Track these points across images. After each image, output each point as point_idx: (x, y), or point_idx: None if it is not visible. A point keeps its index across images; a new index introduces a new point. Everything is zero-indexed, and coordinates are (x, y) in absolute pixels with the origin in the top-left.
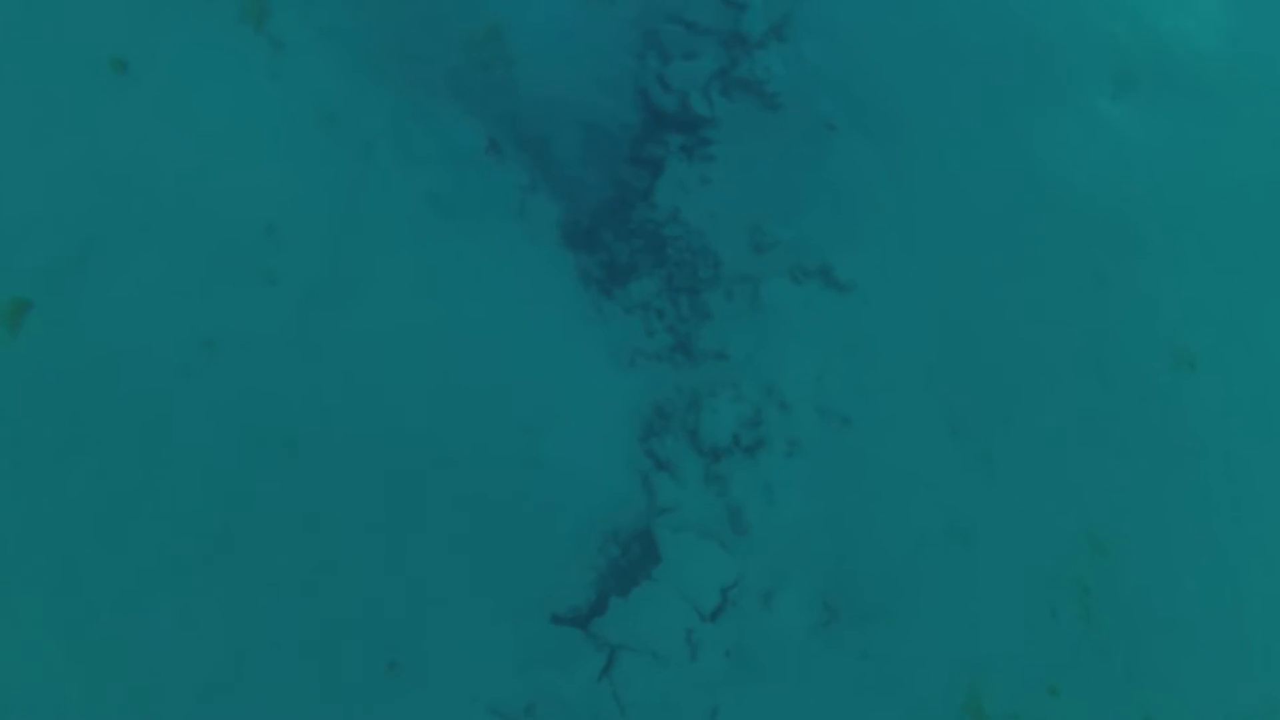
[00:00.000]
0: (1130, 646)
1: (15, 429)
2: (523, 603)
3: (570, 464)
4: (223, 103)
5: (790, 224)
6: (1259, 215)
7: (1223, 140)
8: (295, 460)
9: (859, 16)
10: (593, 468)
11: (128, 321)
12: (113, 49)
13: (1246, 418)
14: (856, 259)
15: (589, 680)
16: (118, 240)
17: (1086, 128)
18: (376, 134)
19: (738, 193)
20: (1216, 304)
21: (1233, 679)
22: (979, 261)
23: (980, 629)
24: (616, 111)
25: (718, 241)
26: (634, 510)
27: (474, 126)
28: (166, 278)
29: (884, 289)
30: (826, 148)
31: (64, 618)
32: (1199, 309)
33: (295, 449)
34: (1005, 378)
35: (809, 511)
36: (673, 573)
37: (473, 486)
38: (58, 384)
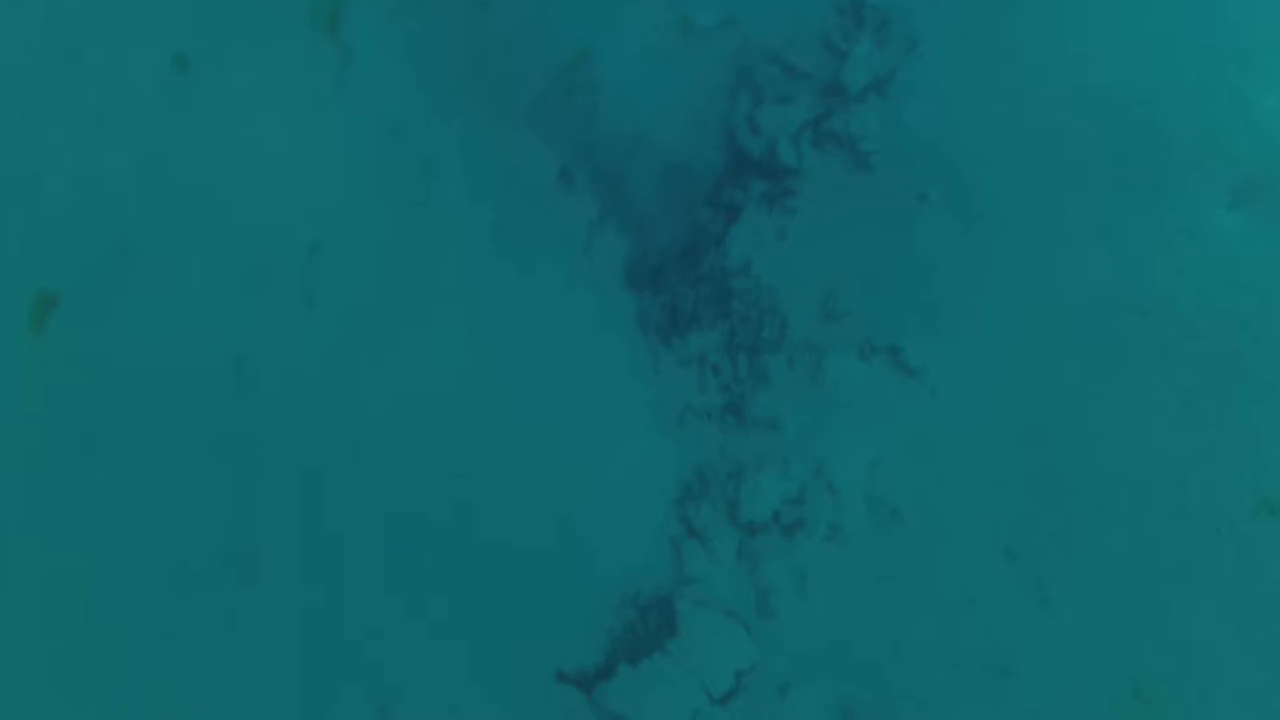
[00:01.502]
0: None
1: (28, 429)
2: (529, 653)
3: (600, 518)
4: (283, 108)
5: (865, 295)
6: None
7: None
8: (314, 492)
9: (969, 84)
10: (622, 524)
11: (157, 330)
12: (175, 44)
13: None
14: (930, 344)
15: None
16: (157, 244)
17: (1196, 237)
18: (442, 155)
19: (815, 253)
20: None
21: None
22: (1060, 368)
23: None
24: (700, 150)
25: (787, 302)
26: (658, 576)
27: (547, 155)
28: (202, 288)
29: (955, 381)
30: (915, 219)
31: (58, 626)
32: None
33: (316, 480)
34: (1072, 498)
35: (842, 607)
36: (688, 648)
37: (495, 535)
38: (77, 387)
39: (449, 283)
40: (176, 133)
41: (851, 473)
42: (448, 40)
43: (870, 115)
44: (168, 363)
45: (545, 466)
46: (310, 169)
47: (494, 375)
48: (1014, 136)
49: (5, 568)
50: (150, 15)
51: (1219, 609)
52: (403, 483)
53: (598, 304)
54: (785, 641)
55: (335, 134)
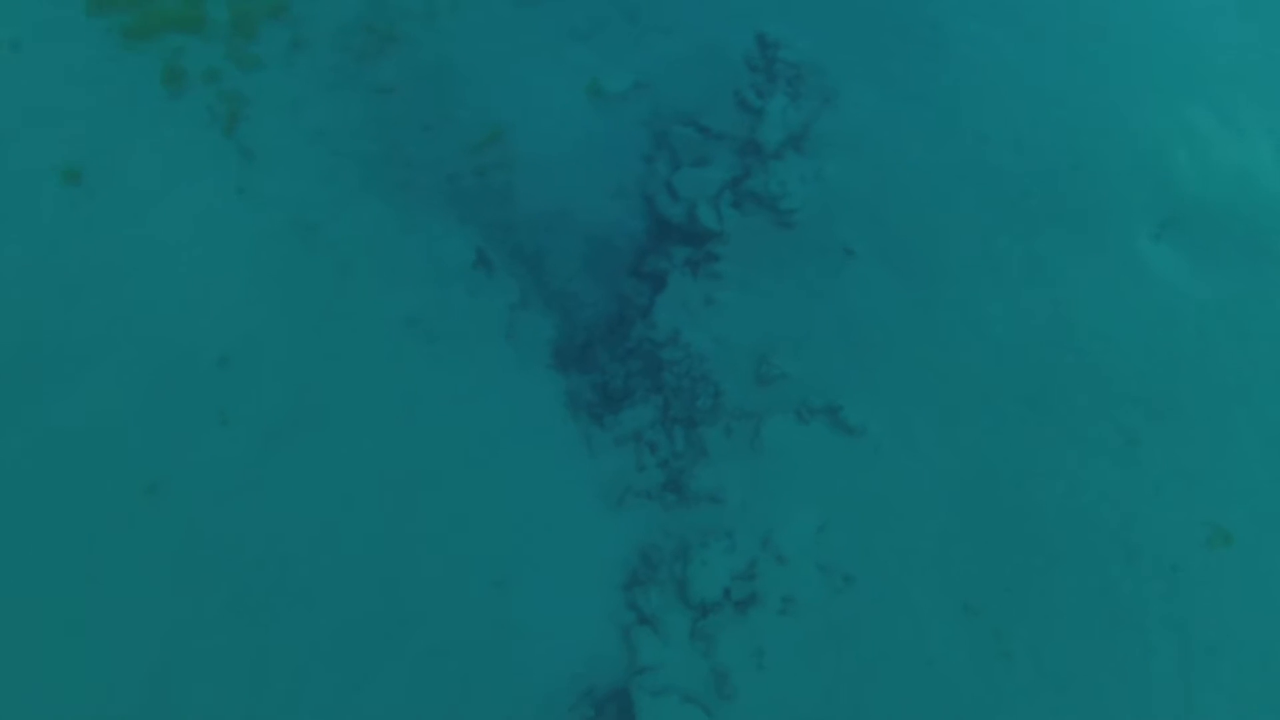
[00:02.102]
0: None
1: None
2: None
3: (545, 614)
4: (183, 215)
5: (799, 356)
6: None
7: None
8: (243, 611)
9: (888, 132)
10: (569, 618)
11: (62, 457)
12: (65, 157)
13: None
14: (868, 400)
15: None
16: (58, 365)
17: (1127, 272)
18: (354, 247)
19: (744, 316)
20: (1262, 479)
21: None
22: (1001, 413)
23: None
24: (621, 220)
25: (720, 369)
26: (612, 668)
27: (464, 238)
28: (108, 411)
29: (897, 436)
30: (843, 274)
31: None
32: (1240, 483)
33: (244, 599)
34: (1024, 546)
35: (801, 679)
36: None
37: (437, 638)
38: None
39: (367, 380)
40: (71, 249)
41: (800, 541)
42: (355, 129)
43: (789, 172)
44: (75, 491)
45: (481, 561)
46: (216, 275)
47: (419, 471)
48: (938, 180)
49: None
50: (32, 126)
51: (1181, 648)
52: (330, 591)
53: (525, 388)
54: None
55: (240, 237)
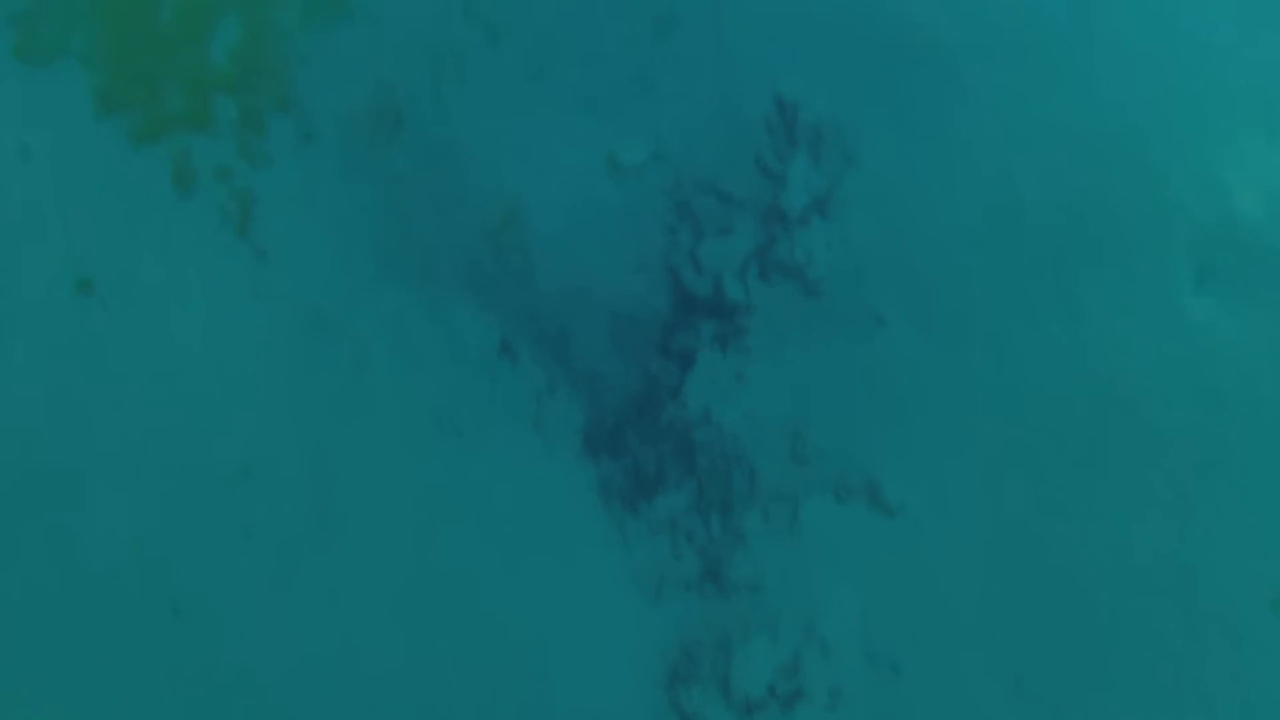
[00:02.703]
0: None
1: None
2: None
3: (585, 716)
4: (197, 323)
5: (833, 430)
6: None
7: None
8: None
9: (913, 192)
10: (609, 718)
11: (84, 577)
12: (78, 267)
13: None
14: (907, 475)
15: None
16: (76, 482)
17: (1168, 319)
18: (374, 340)
19: (776, 391)
20: None
21: None
22: (1046, 474)
23: None
24: (645, 297)
25: (754, 449)
26: None
27: (486, 325)
28: (129, 528)
29: (938, 512)
30: (874, 341)
31: None
32: None
33: (267, 712)
34: (1077, 615)
35: None
36: None
37: None
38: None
39: (392, 480)
40: (87, 361)
41: (844, 628)
42: (368, 218)
43: (814, 238)
44: (99, 613)
45: (516, 661)
46: (232, 382)
47: (447, 571)
48: (967, 236)
49: None
50: (46, 240)
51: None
52: (358, 703)
53: (555, 478)
54: None
55: (256, 340)
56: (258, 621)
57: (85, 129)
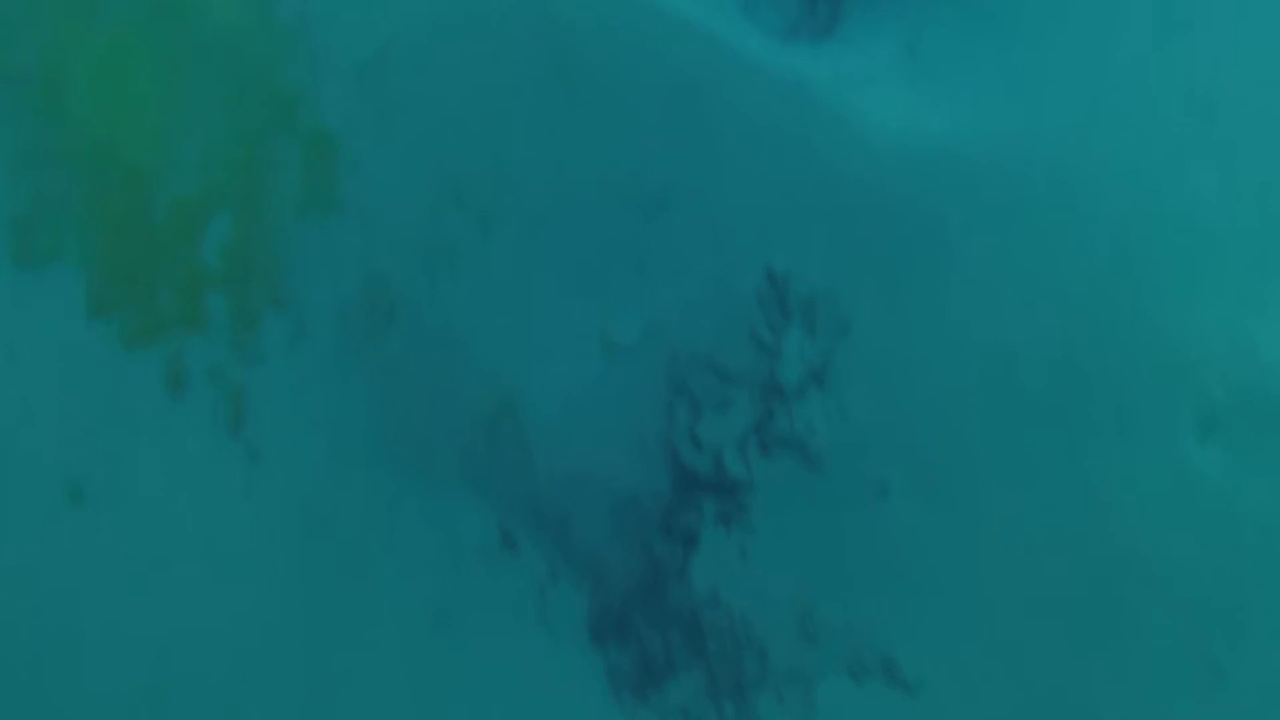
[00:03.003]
0: None
1: None
2: None
3: None
4: (190, 528)
5: (844, 606)
6: None
7: None
8: None
9: (909, 360)
10: None
11: None
12: (68, 475)
13: None
14: (924, 649)
15: None
16: (67, 693)
17: (1174, 474)
18: (371, 539)
19: (783, 568)
20: None
21: None
22: (1068, 651)
23: None
24: (646, 478)
25: (764, 628)
26: None
27: (485, 515)
28: None
29: (958, 687)
30: (880, 512)
31: None
32: None
33: None
34: None
35: None
36: None
37: None
38: None
39: (391, 680)
40: (75, 572)
41: None
42: (363, 412)
43: (813, 410)
44: None
45: None
46: (227, 585)
47: None
48: (966, 399)
49: None
50: (34, 448)
51: None
52: None
53: (562, 671)
54: None
55: (249, 544)
56: None
57: (77, 330)
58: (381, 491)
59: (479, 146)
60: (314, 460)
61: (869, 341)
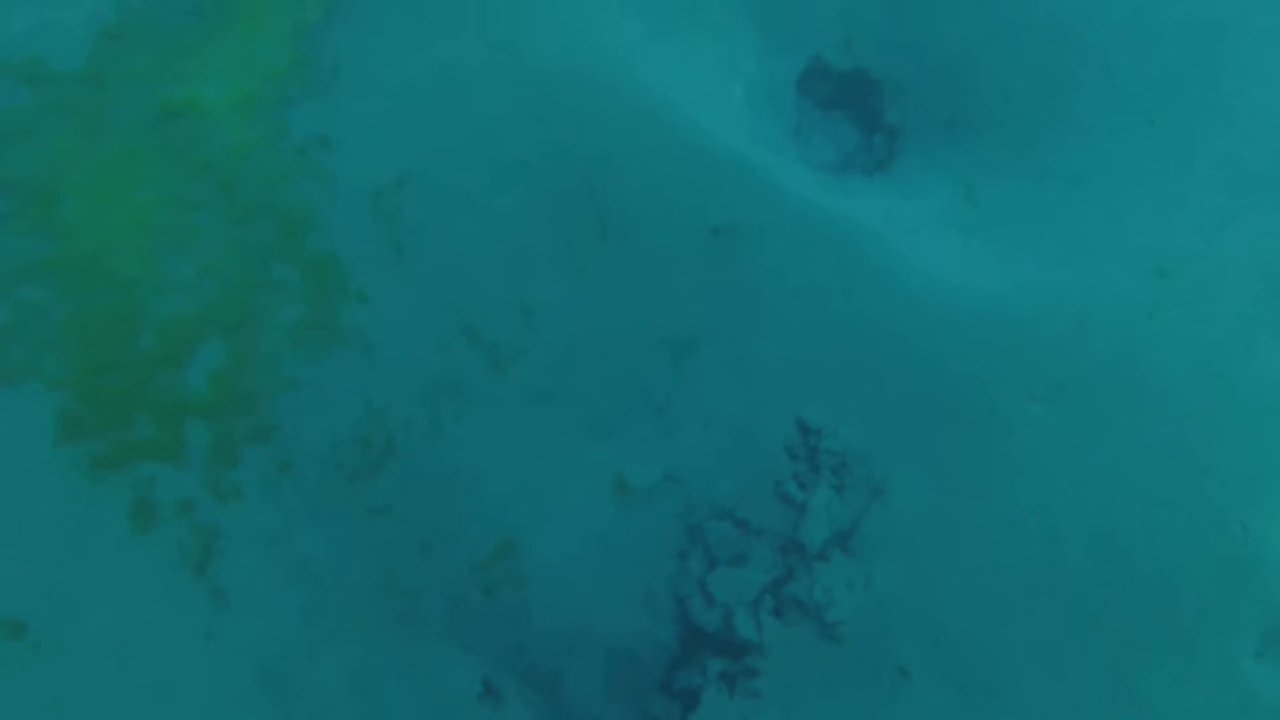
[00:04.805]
0: None
1: None
2: None
3: None
4: (142, 673)
5: None
6: None
7: None
8: None
9: (945, 532)
10: None
11: None
12: (10, 608)
13: None
14: None
15: None
16: None
17: (1230, 694)
18: (337, 700)
19: None
20: None
21: None
22: None
23: None
24: (649, 630)
25: None
26: None
27: (468, 667)
28: None
29: None
30: (898, 697)
31: None
32: None
33: None
34: None
35: None
36: None
37: None
38: None
39: None
40: (11, 709)
41: None
42: (344, 558)
43: (836, 576)
44: None
45: None
46: None
47: None
48: (1004, 588)
49: None
50: None
51: None
52: None
53: None
54: None
55: (207, 695)
56: None
57: (43, 455)
58: (353, 646)
59: (497, 280)
60: (286, 609)
61: (903, 508)
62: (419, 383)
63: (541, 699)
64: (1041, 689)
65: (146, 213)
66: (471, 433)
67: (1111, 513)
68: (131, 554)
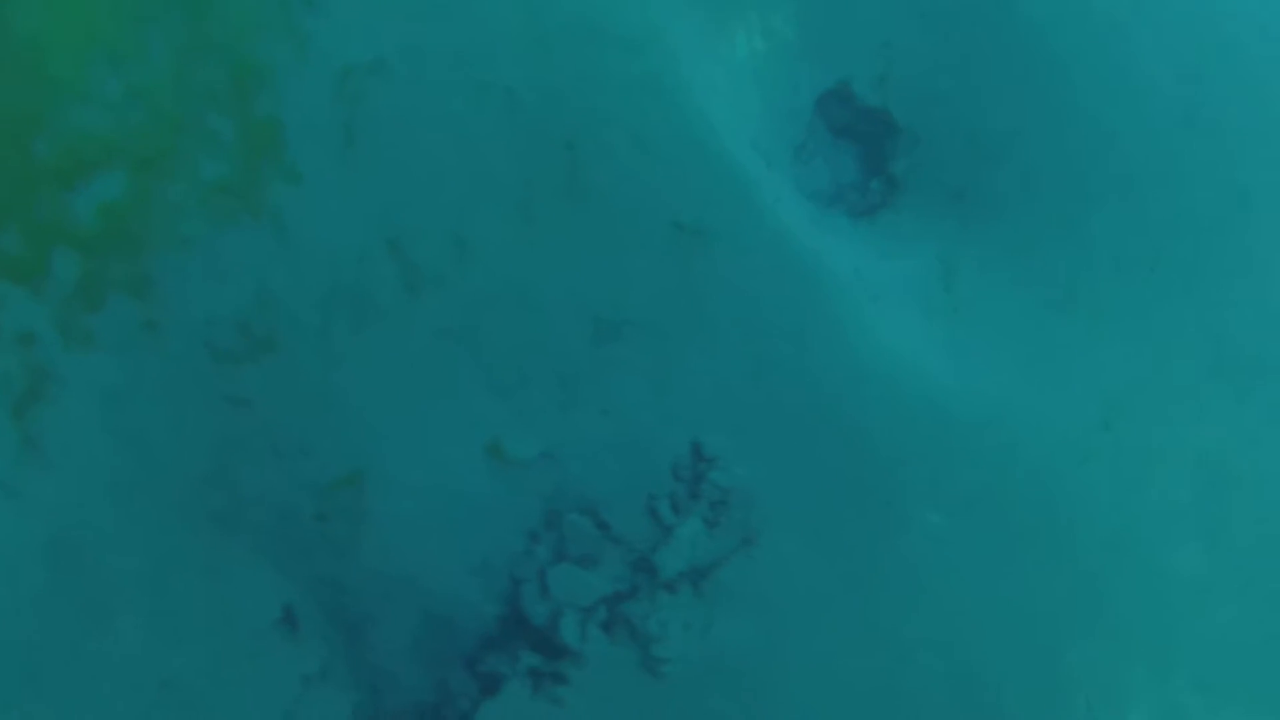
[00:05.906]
0: None
1: None
2: None
3: None
4: None
5: None
6: None
7: None
8: None
9: (803, 608)
10: None
11: None
12: None
13: None
14: None
15: None
16: None
17: None
18: (128, 589)
19: None
20: None
21: None
22: None
23: None
24: (474, 601)
25: None
26: None
27: (275, 588)
28: None
29: None
30: None
31: None
32: None
33: None
34: None
35: None
36: None
37: None
38: None
39: None
40: None
41: None
42: (182, 440)
43: (675, 612)
44: None
45: None
46: None
47: None
48: (843, 683)
49: None
50: None
51: None
52: None
53: None
54: None
55: None
56: None
57: None
58: (162, 536)
59: (441, 201)
60: (99, 477)
61: (768, 567)
62: (323, 283)
63: (341, 640)
64: None
65: (97, 11)
66: (361, 350)
67: (971, 649)
68: None
